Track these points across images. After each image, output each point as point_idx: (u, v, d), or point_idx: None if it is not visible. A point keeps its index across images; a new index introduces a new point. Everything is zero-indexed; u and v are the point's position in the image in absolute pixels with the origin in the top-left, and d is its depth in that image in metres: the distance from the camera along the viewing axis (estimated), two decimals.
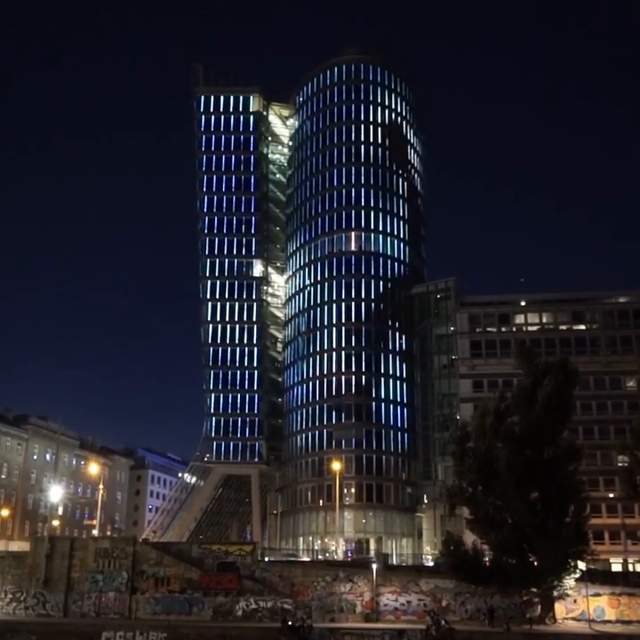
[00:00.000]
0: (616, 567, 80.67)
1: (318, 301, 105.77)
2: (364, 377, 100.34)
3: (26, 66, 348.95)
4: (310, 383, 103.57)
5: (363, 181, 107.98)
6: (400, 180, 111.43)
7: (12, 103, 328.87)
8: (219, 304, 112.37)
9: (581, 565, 50.03)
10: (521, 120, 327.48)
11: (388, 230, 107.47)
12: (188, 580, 54.04)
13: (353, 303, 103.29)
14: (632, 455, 54.24)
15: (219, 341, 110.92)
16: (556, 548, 47.52)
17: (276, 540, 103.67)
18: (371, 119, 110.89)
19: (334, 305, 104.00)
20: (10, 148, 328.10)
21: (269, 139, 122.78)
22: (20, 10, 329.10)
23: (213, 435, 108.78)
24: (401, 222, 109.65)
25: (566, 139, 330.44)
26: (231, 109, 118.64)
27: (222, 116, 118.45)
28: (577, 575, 49.48)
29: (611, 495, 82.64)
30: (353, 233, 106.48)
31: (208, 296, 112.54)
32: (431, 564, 73.80)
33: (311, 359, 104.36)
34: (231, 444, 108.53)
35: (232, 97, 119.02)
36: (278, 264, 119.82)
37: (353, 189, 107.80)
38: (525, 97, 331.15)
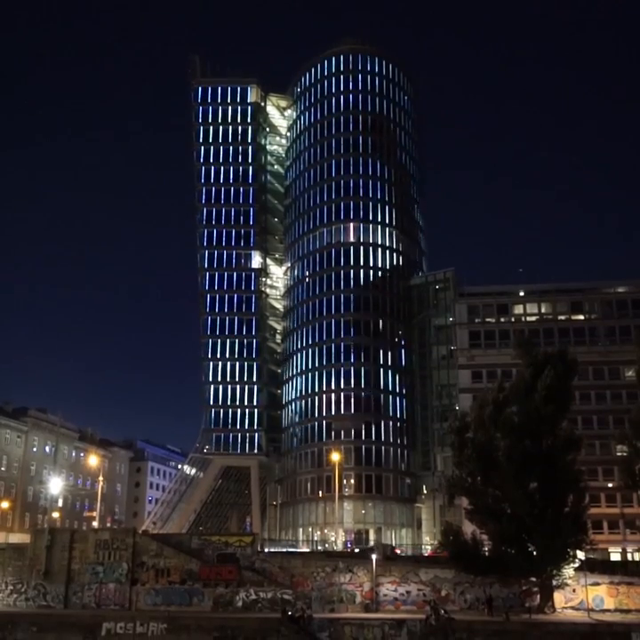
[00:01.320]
0: (615, 556, 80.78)
1: (317, 292, 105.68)
2: (363, 368, 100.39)
3: (22, 65, 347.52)
4: (309, 374, 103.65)
5: (361, 172, 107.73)
6: (398, 170, 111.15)
7: (10, 101, 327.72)
8: (217, 296, 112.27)
9: (580, 555, 50.10)
10: (519, 113, 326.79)
11: (387, 221, 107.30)
12: (188, 572, 54.13)
13: (352, 294, 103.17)
14: (631, 445, 54.17)
15: (217, 333, 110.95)
16: (554, 537, 47.58)
17: (276, 531, 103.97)
18: (368, 109, 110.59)
19: (333, 296, 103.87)
20: (8, 146, 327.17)
21: (267, 130, 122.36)
22: (14, 2, 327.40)
23: (213, 426, 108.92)
24: (400, 213, 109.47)
25: (565, 130, 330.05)
26: (229, 100, 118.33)
27: (220, 108, 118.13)
28: (576, 565, 49.57)
29: (609, 485, 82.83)
30: (351, 224, 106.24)
31: (207, 287, 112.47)
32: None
33: (310, 350, 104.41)
34: (231, 435, 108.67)
35: (229, 88, 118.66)
36: (277, 255, 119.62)
37: (351, 180, 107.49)
38: (524, 89, 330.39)
